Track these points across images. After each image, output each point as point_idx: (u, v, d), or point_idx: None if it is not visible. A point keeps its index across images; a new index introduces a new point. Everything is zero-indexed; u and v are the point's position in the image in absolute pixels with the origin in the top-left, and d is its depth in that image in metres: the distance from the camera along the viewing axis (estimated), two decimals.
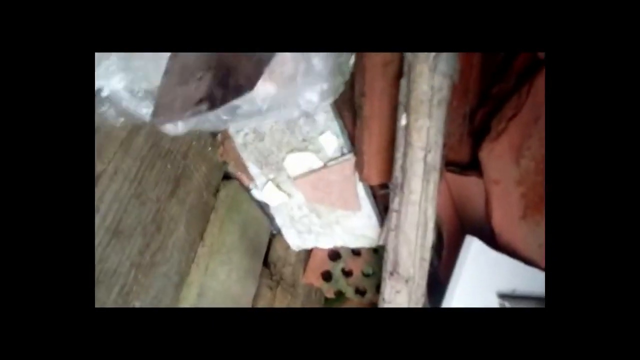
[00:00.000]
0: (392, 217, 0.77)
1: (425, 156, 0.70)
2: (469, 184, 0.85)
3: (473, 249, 0.78)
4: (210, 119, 0.64)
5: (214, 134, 0.94)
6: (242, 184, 1.00)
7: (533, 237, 0.84)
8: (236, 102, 0.54)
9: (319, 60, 0.67)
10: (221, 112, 0.62)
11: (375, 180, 0.84)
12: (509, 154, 0.79)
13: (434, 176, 0.72)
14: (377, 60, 0.74)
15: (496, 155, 0.79)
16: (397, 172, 0.74)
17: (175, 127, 0.66)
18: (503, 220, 0.84)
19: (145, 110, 0.65)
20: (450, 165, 0.85)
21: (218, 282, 0.89)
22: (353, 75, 0.77)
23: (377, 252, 1.00)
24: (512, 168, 0.80)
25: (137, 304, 0.73)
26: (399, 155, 0.73)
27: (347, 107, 0.83)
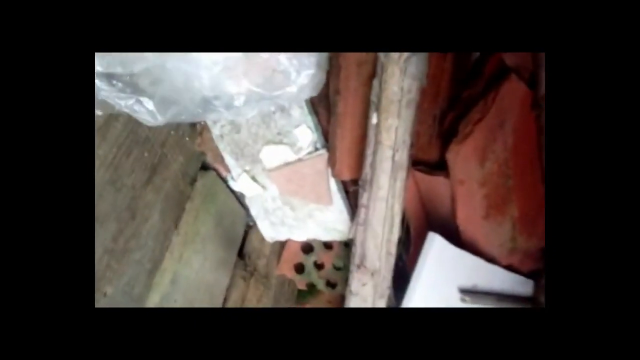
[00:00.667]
0: (361, 212, 0.80)
1: (394, 154, 0.74)
2: (437, 183, 0.88)
3: (435, 245, 0.82)
4: (187, 111, 0.67)
5: (192, 124, 0.96)
6: (219, 175, 1.02)
7: (494, 235, 0.88)
8: (209, 94, 0.56)
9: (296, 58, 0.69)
10: (195, 105, 0.65)
11: (347, 176, 0.87)
12: (474, 156, 0.83)
13: (401, 174, 0.75)
14: (352, 60, 0.77)
15: (462, 157, 0.83)
16: (367, 169, 0.77)
17: (154, 119, 0.68)
18: (467, 218, 0.88)
19: (123, 102, 0.66)
20: (419, 164, 0.89)
21: (192, 270, 0.91)
22: (328, 73, 0.80)
23: (348, 246, 1.03)
24: (476, 170, 0.84)
25: (109, 290, 0.74)
26: (369, 152, 0.76)
27: (323, 104, 0.86)
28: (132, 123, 0.81)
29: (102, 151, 0.73)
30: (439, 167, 0.90)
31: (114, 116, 0.77)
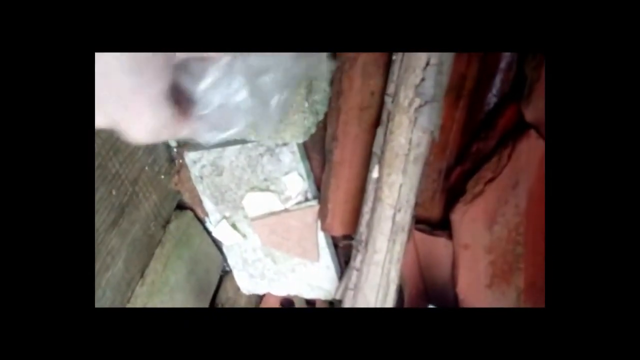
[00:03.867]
0: (353, 275, 0.70)
1: (395, 215, 0.64)
2: (438, 245, 0.79)
3: None
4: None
5: (170, 160, 0.87)
6: (196, 215, 0.92)
7: (497, 305, 0.79)
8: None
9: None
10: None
11: (338, 232, 0.77)
12: (482, 219, 0.74)
13: (402, 237, 0.66)
14: (353, 104, 0.68)
15: (469, 219, 0.74)
16: (363, 228, 0.68)
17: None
18: (469, 287, 0.78)
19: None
20: (420, 222, 0.80)
21: None
22: (326, 115, 0.72)
23: (332, 305, 0.93)
24: (483, 234, 0.75)
25: None
26: (366, 209, 0.67)
27: (317, 149, 0.77)
28: (101, 157, 0.72)
29: None
30: (442, 225, 0.81)
31: None
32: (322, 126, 0.73)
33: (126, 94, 0.36)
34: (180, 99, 0.43)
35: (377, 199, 0.65)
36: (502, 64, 0.74)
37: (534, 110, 0.71)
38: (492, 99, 0.77)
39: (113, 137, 0.75)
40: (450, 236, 0.78)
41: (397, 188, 0.63)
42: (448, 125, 0.75)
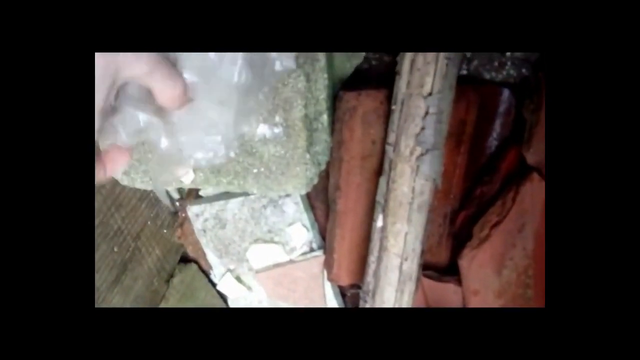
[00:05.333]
0: None
1: (401, 264, 0.63)
2: (447, 292, 0.78)
3: None
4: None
5: (173, 213, 0.86)
6: (200, 267, 0.91)
7: None
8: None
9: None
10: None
11: (345, 281, 0.76)
12: (490, 264, 0.73)
13: (410, 286, 0.65)
14: (355, 153, 0.69)
15: (477, 265, 0.73)
16: (370, 278, 0.67)
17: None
18: None
19: None
20: (427, 268, 0.79)
21: None
22: (328, 164, 0.72)
23: None
24: (493, 279, 0.74)
25: None
26: (372, 259, 0.66)
27: (320, 198, 0.77)
28: (102, 213, 0.71)
29: None
30: (449, 269, 0.79)
31: None
32: (325, 175, 0.73)
33: None
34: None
35: (382, 249, 0.64)
36: (501, 108, 0.74)
37: (535, 154, 0.71)
38: (492, 142, 0.77)
39: (115, 192, 0.75)
40: (458, 281, 0.77)
41: (402, 237, 0.63)
42: (450, 170, 0.75)
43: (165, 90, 0.41)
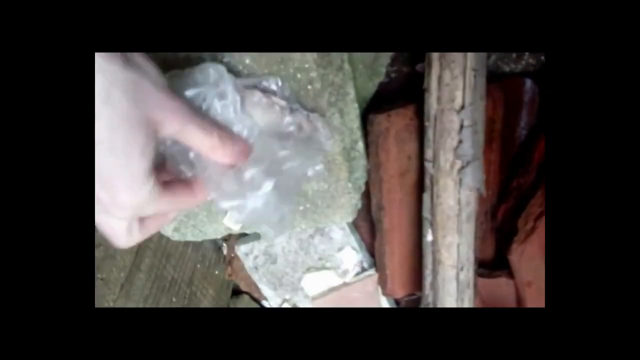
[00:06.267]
0: None
1: (458, 274, 0.65)
2: (500, 285, 0.79)
3: None
4: None
5: (217, 250, 0.88)
6: (252, 297, 0.93)
7: None
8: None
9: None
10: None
11: (400, 294, 0.78)
12: (540, 255, 0.74)
13: (469, 293, 0.66)
14: (393, 172, 0.69)
15: (527, 258, 0.74)
16: (427, 291, 0.68)
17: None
18: None
19: None
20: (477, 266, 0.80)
21: None
22: (367, 185, 0.73)
23: None
24: (544, 269, 0.75)
25: None
26: (427, 272, 0.68)
27: (362, 216, 0.78)
28: (155, 269, 0.73)
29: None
30: (498, 264, 0.81)
31: (135, 267, 0.69)
32: (365, 194, 0.74)
33: (105, 176, 0.35)
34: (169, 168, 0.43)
35: (436, 262, 0.66)
36: (525, 98, 0.75)
37: None
38: (522, 132, 0.78)
39: (162, 244, 0.77)
40: (509, 274, 0.78)
41: (455, 248, 0.64)
42: (485, 167, 0.75)
43: (203, 142, 0.40)
